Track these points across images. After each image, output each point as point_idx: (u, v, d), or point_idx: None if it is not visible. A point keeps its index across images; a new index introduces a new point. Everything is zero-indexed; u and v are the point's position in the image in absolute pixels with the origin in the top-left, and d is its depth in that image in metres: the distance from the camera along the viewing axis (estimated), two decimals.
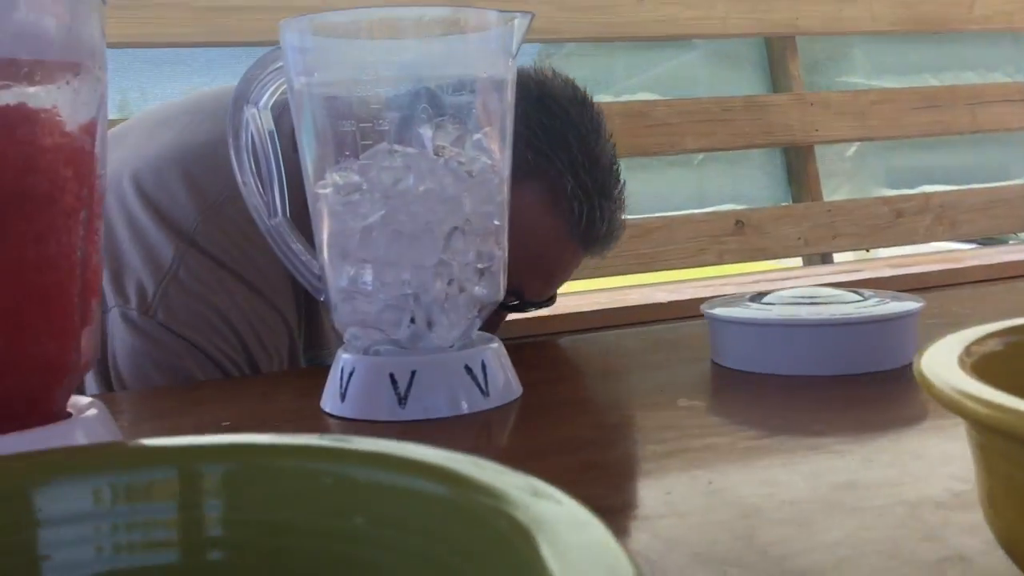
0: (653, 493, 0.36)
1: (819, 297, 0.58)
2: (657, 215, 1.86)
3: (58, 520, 0.21)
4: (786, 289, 0.61)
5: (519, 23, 0.51)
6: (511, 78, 0.52)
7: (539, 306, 0.79)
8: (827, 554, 0.30)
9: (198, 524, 0.22)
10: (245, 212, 0.56)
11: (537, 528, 0.17)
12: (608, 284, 1.91)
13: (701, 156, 1.96)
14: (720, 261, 1.91)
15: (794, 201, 2.00)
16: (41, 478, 0.21)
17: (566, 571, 0.16)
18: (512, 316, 0.81)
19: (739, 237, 1.88)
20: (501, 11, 0.50)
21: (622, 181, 0.75)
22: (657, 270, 1.85)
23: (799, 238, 1.92)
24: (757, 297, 0.61)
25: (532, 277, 0.73)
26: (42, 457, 0.23)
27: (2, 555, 0.21)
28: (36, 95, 0.39)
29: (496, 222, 0.53)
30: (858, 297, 0.58)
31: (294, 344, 0.75)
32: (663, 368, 0.61)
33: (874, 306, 0.56)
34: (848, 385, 0.52)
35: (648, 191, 1.91)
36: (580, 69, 1.64)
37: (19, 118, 0.39)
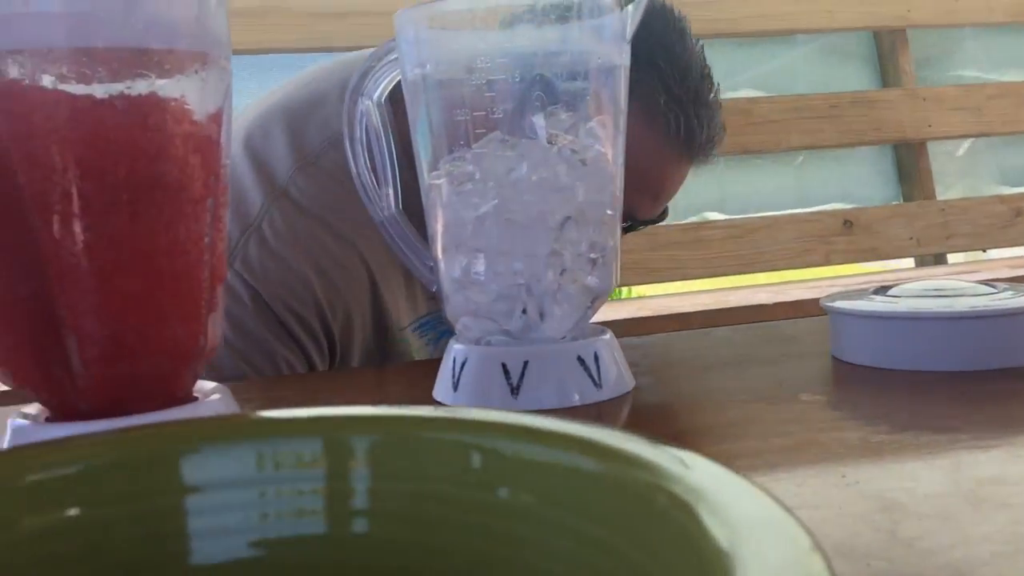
0: (783, 485, 0.35)
1: (947, 289, 0.55)
2: (759, 215, 1.81)
3: (207, 487, 0.21)
4: (911, 283, 0.58)
5: (633, 8, 0.50)
6: (625, 64, 0.51)
7: (653, 222, 0.80)
8: (979, 549, 0.28)
9: (344, 494, 0.22)
10: (340, 163, 0.57)
11: (697, 500, 0.17)
12: (709, 285, 1.88)
13: (804, 154, 1.90)
14: (827, 262, 1.85)
15: (905, 200, 1.93)
16: (190, 445, 0.22)
17: (737, 543, 0.15)
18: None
19: (847, 237, 1.82)
20: None
21: (715, 84, 0.75)
22: (760, 271, 1.81)
23: (911, 238, 1.85)
24: (881, 290, 0.58)
25: (641, 196, 0.74)
26: (191, 425, 0.23)
27: (152, 519, 0.21)
28: (166, 84, 0.40)
29: (609, 212, 0.52)
30: (990, 289, 0.55)
31: (379, 303, 0.76)
32: (780, 363, 0.59)
33: (1009, 298, 0.53)
34: (980, 380, 0.49)
35: (749, 190, 1.87)
36: None
37: (150, 107, 0.40)
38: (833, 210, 1.88)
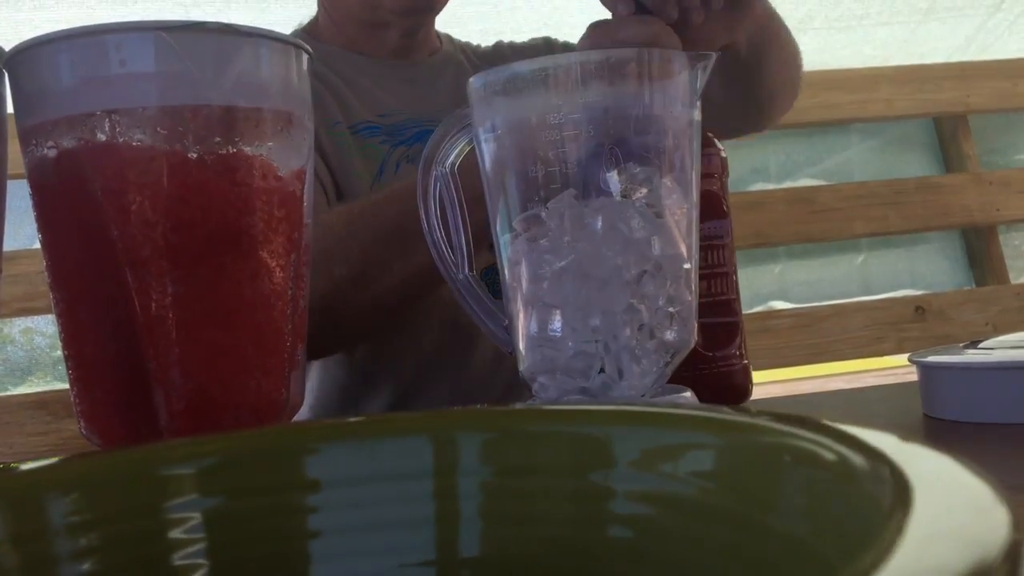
0: None
1: None
2: (826, 303, 1.79)
3: (326, 484, 0.21)
4: (1002, 336, 0.56)
5: (704, 65, 0.51)
6: (696, 119, 0.51)
7: None
8: None
9: (453, 490, 0.21)
10: None
11: (814, 452, 0.16)
12: (779, 376, 1.84)
13: (869, 241, 1.88)
14: (900, 350, 1.80)
15: (977, 285, 1.89)
16: (310, 444, 0.22)
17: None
18: None
19: (920, 324, 1.78)
20: (687, 52, 0.50)
21: None
22: (830, 360, 1.77)
23: (987, 324, 1.80)
24: (971, 344, 0.56)
25: None
26: (309, 426, 0.23)
27: (276, 514, 0.21)
28: (253, 142, 0.42)
29: (686, 265, 0.52)
30: None
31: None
32: (871, 420, 0.57)
33: None
34: None
35: (813, 279, 1.85)
36: (738, 159, 1.63)
37: (237, 162, 0.41)
38: (904, 297, 1.84)
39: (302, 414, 0.63)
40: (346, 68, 0.98)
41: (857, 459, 0.15)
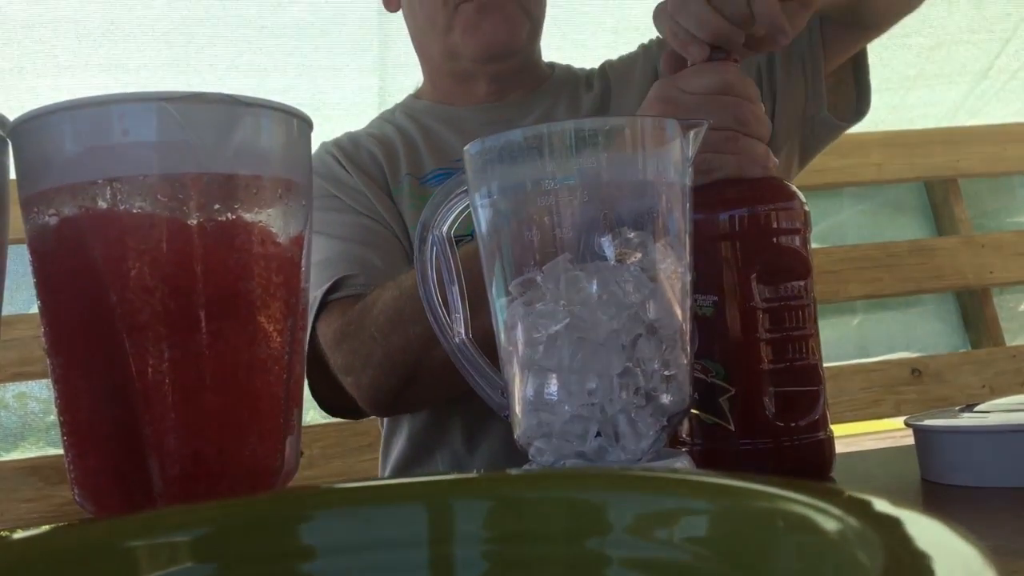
0: None
1: None
2: (824, 365, 1.78)
3: (321, 552, 0.21)
4: (997, 399, 0.56)
5: (695, 132, 0.52)
6: (688, 184, 0.52)
7: None
8: None
9: (448, 558, 0.21)
10: None
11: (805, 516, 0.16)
12: None
13: (862, 304, 1.89)
14: (897, 412, 1.80)
15: (973, 347, 1.89)
16: (305, 512, 0.22)
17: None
18: None
19: (917, 386, 1.78)
20: (679, 119, 0.51)
21: None
22: None
23: (983, 386, 1.80)
24: (967, 408, 0.56)
25: None
26: (303, 493, 0.23)
27: None
28: (252, 208, 0.42)
29: (681, 328, 0.52)
30: None
31: None
32: (868, 484, 0.57)
33: None
34: None
35: None
36: None
37: (237, 229, 0.42)
38: (900, 359, 1.84)
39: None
40: (430, 121, 0.99)
41: (850, 524, 0.15)
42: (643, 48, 1.05)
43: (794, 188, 0.61)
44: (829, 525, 0.15)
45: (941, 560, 0.11)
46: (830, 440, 0.59)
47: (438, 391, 0.87)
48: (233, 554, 0.21)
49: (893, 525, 0.13)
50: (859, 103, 0.93)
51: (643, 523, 0.20)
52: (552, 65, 1.06)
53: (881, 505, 0.15)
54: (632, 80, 1.01)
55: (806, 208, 0.60)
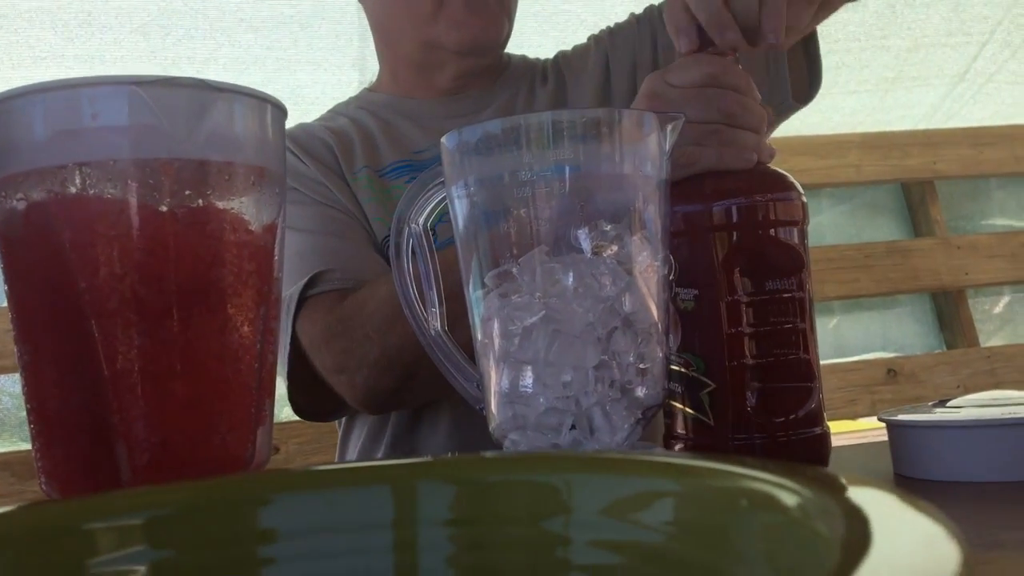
0: None
1: (1010, 399, 0.54)
2: None
3: (281, 535, 0.21)
4: (971, 395, 0.57)
5: (672, 125, 0.52)
6: (665, 177, 0.52)
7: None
8: None
9: (412, 540, 0.21)
10: None
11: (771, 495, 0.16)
12: None
13: (839, 304, 1.90)
14: (873, 412, 1.81)
15: (948, 347, 1.91)
16: (266, 495, 0.21)
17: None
18: None
19: (892, 386, 1.79)
20: (657, 112, 0.51)
21: None
22: None
23: (958, 386, 1.81)
24: (940, 403, 0.57)
25: None
26: (264, 476, 0.23)
27: (228, 567, 0.20)
28: (224, 196, 0.42)
29: (657, 322, 0.52)
30: None
31: None
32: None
33: None
34: None
35: None
36: None
37: (208, 216, 0.41)
38: (876, 359, 1.85)
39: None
40: (388, 114, 0.99)
41: (811, 499, 0.15)
42: (594, 39, 1.05)
43: (791, 179, 0.59)
44: (790, 500, 0.15)
45: (895, 526, 0.11)
46: (825, 435, 0.58)
47: (434, 389, 0.86)
48: (191, 537, 0.20)
49: (849, 496, 0.13)
50: (811, 86, 0.92)
51: (607, 504, 0.19)
52: (508, 56, 1.06)
53: (840, 480, 0.15)
54: (586, 71, 1.02)
55: (804, 200, 0.58)
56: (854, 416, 1.81)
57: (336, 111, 1.05)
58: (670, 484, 0.19)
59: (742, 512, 0.17)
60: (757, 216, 0.57)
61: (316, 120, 1.04)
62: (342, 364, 0.83)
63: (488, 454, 0.22)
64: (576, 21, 1.60)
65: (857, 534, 0.13)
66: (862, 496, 0.13)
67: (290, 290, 0.85)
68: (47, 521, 0.20)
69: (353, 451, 0.99)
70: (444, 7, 0.92)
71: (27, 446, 1.60)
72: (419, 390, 0.85)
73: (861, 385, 1.80)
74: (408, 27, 0.96)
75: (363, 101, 1.04)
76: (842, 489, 0.14)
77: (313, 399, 0.90)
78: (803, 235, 0.58)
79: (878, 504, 0.13)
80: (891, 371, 1.82)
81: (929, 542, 0.12)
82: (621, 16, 1.06)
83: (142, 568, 0.19)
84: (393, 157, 0.95)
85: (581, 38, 1.09)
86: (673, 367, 0.59)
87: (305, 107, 1.63)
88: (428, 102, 0.99)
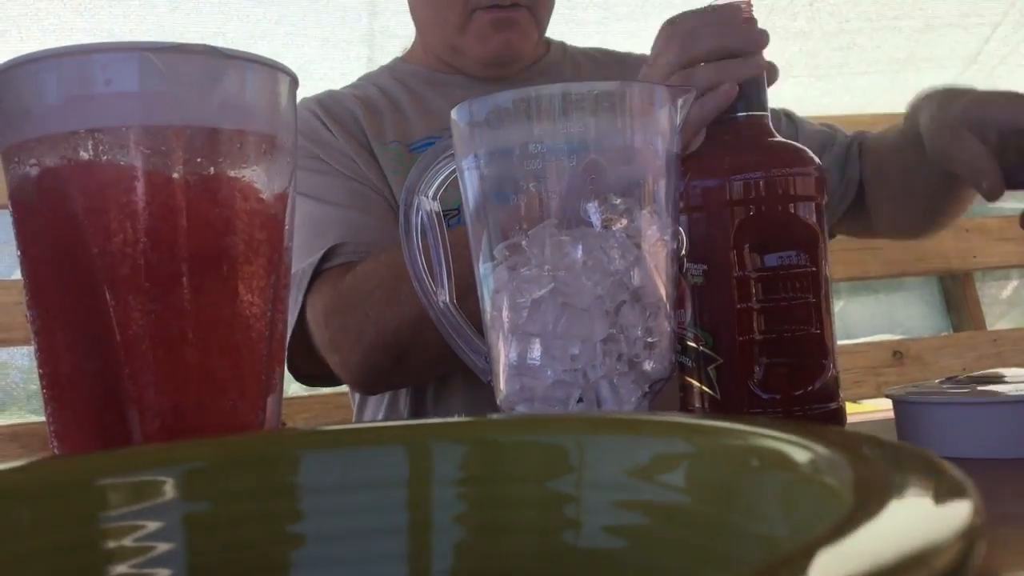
0: None
1: (1016, 376, 0.54)
2: None
3: (303, 490, 0.21)
4: (978, 372, 0.57)
5: (685, 99, 0.52)
6: (676, 151, 0.52)
7: None
8: None
9: (426, 497, 0.21)
10: None
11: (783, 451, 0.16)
12: None
13: (846, 286, 1.90)
14: (878, 394, 1.81)
15: (955, 330, 1.90)
16: (288, 451, 0.21)
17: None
18: None
19: (898, 368, 1.79)
20: (668, 86, 0.51)
21: None
22: None
23: (964, 369, 1.81)
24: (947, 381, 0.57)
25: None
26: (285, 434, 0.23)
27: (258, 521, 0.21)
28: (236, 163, 0.42)
29: (665, 296, 0.52)
30: None
31: None
32: None
33: None
34: None
35: None
36: None
37: (220, 183, 0.41)
38: (882, 341, 1.85)
39: None
40: (420, 86, 0.98)
41: (823, 455, 0.15)
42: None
43: (809, 154, 0.58)
44: (802, 457, 0.15)
45: (909, 473, 0.12)
46: (840, 410, 0.58)
47: (426, 373, 0.87)
48: (221, 491, 0.21)
49: (860, 448, 0.13)
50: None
51: (619, 464, 0.20)
52: (548, 42, 1.05)
53: (849, 434, 0.15)
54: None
55: (820, 174, 0.58)
56: (860, 398, 1.82)
57: (368, 78, 1.04)
58: (681, 444, 0.19)
59: (754, 470, 0.17)
60: (776, 190, 0.57)
61: (346, 87, 1.03)
62: (338, 342, 0.83)
63: (500, 416, 0.22)
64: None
65: (871, 489, 0.13)
66: (873, 451, 0.13)
67: (304, 262, 0.85)
68: (80, 473, 0.21)
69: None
70: (472, 20, 0.92)
71: (35, 418, 1.61)
72: (411, 373, 0.86)
73: (867, 367, 1.80)
74: (437, 31, 0.96)
75: (396, 71, 1.03)
76: (854, 444, 0.14)
77: (314, 363, 0.90)
78: (819, 210, 0.58)
79: (888, 458, 0.13)
80: (897, 353, 1.81)
81: (940, 493, 0.12)
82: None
83: (177, 519, 0.20)
84: (424, 132, 0.95)
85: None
86: (689, 342, 0.60)
87: (314, 83, 1.63)
88: (466, 79, 0.99)
